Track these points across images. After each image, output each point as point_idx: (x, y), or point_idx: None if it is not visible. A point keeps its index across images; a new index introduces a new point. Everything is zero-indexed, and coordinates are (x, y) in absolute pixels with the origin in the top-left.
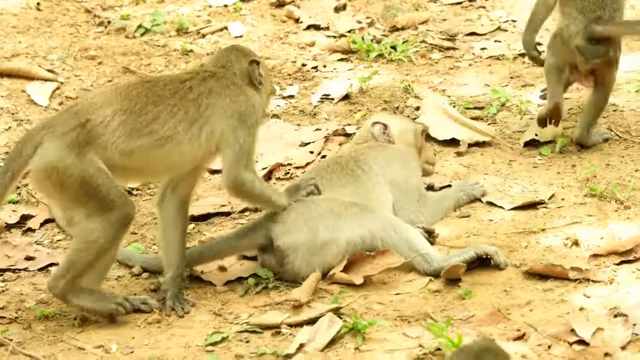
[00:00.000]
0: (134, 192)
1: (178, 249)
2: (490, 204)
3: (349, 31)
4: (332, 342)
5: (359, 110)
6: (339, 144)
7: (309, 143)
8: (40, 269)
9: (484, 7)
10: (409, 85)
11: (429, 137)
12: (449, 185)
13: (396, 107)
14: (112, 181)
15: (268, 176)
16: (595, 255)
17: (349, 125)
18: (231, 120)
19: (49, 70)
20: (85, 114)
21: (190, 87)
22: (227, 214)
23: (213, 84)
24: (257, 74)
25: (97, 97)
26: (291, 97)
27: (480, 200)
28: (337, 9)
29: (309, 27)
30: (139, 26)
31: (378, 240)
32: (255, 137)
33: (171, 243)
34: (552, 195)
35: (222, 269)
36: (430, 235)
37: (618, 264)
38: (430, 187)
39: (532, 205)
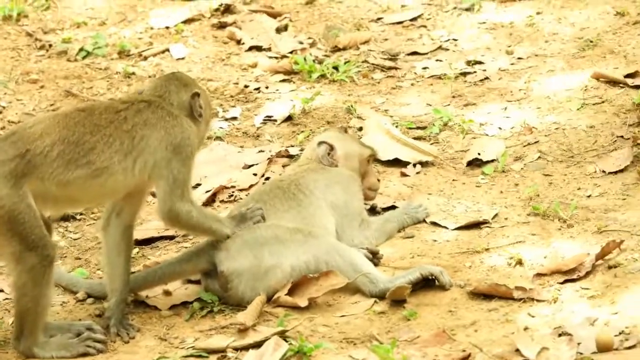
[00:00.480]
0: (78, 216)
1: (122, 274)
2: (434, 224)
3: (291, 52)
4: None
5: (302, 131)
6: (283, 166)
7: (252, 165)
8: None
9: (425, 27)
10: (352, 106)
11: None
12: (393, 206)
13: (344, 128)
14: (38, 220)
15: (212, 199)
16: (539, 275)
17: (292, 146)
18: (165, 152)
19: None
20: (25, 143)
21: (125, 118)
22: (171, 237)
23: (148, 115)
24: (198, 106)
25: (36, 125)
26: (234, 118)
27: (424, 221)
28: (278, 30)
29: (250, 49)
30: (81, 49)
31: (322, 264)
32: (191, 167)
33: (115, 268)
34: (496, 214)
35: (167, 293)
36: (375, 257)
37: (562, 283)
38: (372, 209)
39: (475, 225)
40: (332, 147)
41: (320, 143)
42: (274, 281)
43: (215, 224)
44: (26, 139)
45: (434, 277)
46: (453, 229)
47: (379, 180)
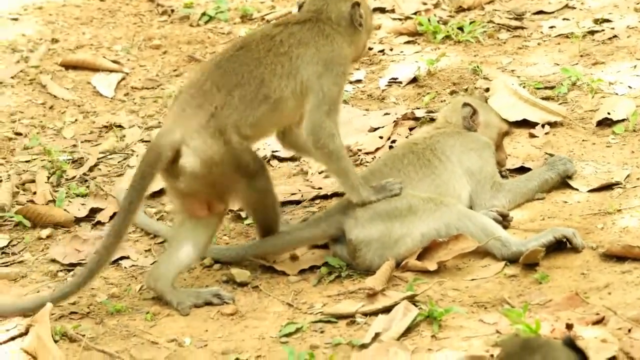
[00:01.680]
0: None
1: None
2: (565, 185)
3: (415, 13)
4: (407, 331)
5: (428, 93)
6: (409, 128)
7: (378, 128)
8: (111, 263)
9: None
10: (478, 67)
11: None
12: (522, 167)
13: (465, 89)
14: (251, 151)
15: None
16: None
17: (417, 109)
18: (317, 67)
19: (114, 61)
20: (209, 103)
21: (281, 41)
22: (298, 202)
23: (303, 33)
24: (358, 16)
25: (207, 81)
26: (359, 81)
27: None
28: None
29: (374, 10)
30: (203, 14)
31: (453, 230)
32: (342, 87)
33: None
34: (628, 175)
35: (294, 258)
36: (505, 219)
37: None
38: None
39: (607, 186)
40: (475, 111)
41: (465, 105)
42: (404, 249)
43: (354, 175)
44: (207, 98)
45: (566, 239)
46: (585, 191)
47: (507, 157)
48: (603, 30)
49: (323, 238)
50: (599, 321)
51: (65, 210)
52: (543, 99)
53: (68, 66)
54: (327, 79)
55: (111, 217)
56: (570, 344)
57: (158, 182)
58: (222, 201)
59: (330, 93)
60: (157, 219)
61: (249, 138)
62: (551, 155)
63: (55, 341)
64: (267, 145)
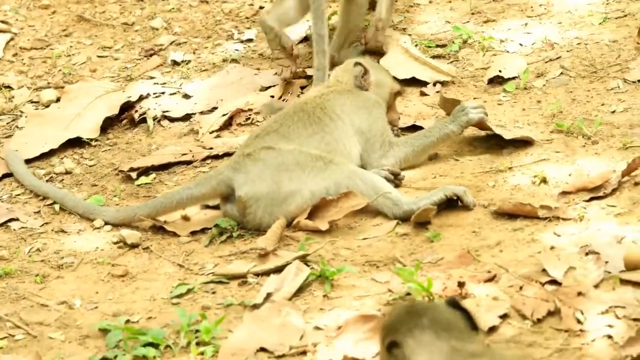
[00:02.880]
0: (93, 142)
1: None
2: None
3: None
4: (300, 290)
5: None
6: (300, 87)
7: (269, 87)
8: (0, 225)
9: None
10: (369, 24)
11: None
12: (414, 126)
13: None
14: None
15: (229, 122)
16: (564, 193)
17: (309, 67)
18: None
19: (2, 21)
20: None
21: None
22: (189, 162)
23: None
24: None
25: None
26: (249, 40)
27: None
28: None
29: None
30: None
31: (343, 189)
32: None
33: None
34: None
35: (186, 218)
36: (396, 178)
37: (588, 201)
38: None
39: (498, 143)
40: (366, 71)
41: (356, 64)
42: (293, 206)
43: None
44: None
45: (457, 197)
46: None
47: (399, 118)
48: None
49: (213, 196)
50: (491, 279)
51: None
52: (434, 57)
53: None
54: None
55: (0, 179)
56: (454, 304)
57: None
58: None
59: None
60: (47, 181)
61: None
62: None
63: None
64: (158, 105)
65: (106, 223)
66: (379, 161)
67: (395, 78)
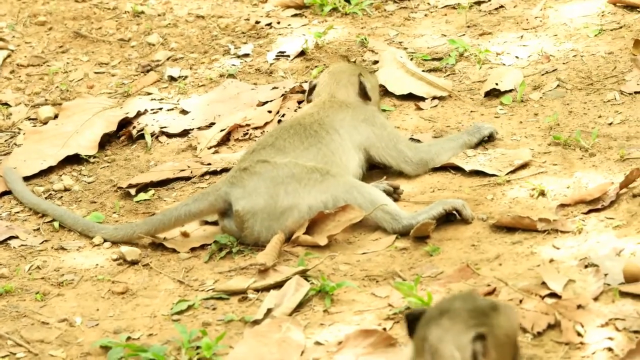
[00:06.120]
0: (91, 159)
1: None
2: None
3: None
4: (300, 306)
5: (316, 66)
6: (298, 102)
7: (266, 102)
8: (0, 242)
9: None
10: (365, 39)
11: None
12: (412, 139)
13: (347, 57)
14: None
15: (227, 137)
16: (563, 205)
17: (306, 82)
18: None
19: None
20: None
21: None
22: (187, 178)
23: None
24: None
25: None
26: (246, 55)
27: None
28: None
29: None
30: None
31: (341, 202)
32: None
33: None
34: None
35: (185, 235)
36: (395, 191)
37: (586, 213)
38: None
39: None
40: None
41: (359, 76)
42: (291, 221)
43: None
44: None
45: (456, 211)
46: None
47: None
48: (489, 0)
49: (212, 212)
50: (491, 292)
51: None
52: (430, 70)
53: None
54: None
55: None
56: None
57: (35, 165)
58: None
59: None
60: (45, 198)
61: None
62: None
63: None
64: (156, 121)
65: (105, 240)
66: (408, 162)
67: (392, 94)
